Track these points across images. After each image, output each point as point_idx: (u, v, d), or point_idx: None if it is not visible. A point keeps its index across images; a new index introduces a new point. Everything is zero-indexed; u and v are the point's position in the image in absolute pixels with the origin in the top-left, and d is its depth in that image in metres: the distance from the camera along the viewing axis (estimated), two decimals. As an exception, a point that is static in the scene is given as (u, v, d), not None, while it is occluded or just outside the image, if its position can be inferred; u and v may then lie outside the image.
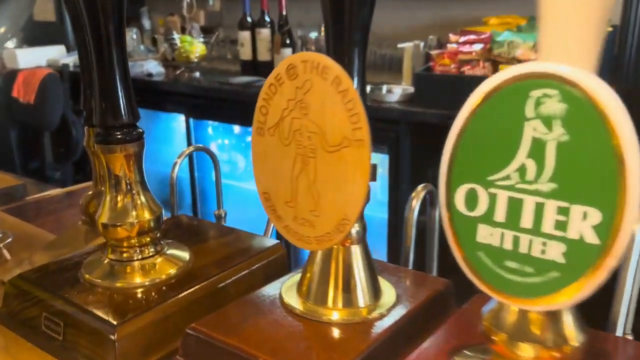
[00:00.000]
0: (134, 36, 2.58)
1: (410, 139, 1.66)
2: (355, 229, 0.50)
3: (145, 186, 0.57)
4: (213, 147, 2.27)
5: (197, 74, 2.29)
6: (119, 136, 0.53)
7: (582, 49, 0.31)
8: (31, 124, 2.46)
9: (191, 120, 2.17)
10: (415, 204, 0.63)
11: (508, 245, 0.33)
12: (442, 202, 0.35)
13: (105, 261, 0.57)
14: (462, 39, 1.71)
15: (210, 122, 2.28)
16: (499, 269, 0.34)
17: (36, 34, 2.75)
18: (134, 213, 0.55)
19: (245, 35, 2.21)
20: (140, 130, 0.55)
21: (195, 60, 2.34)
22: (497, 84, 0.31)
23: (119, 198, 0.55)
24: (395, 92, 1.68)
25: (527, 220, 0.32)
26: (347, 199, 0.44)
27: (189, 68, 2.33)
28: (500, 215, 0.33)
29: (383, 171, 1.73)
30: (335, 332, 0.48)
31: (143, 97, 2.28)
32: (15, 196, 1.04)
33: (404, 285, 0.55)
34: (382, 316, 0.49)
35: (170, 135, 2.44)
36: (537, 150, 0.31)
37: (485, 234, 0.34)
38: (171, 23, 2.47)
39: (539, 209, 0.31)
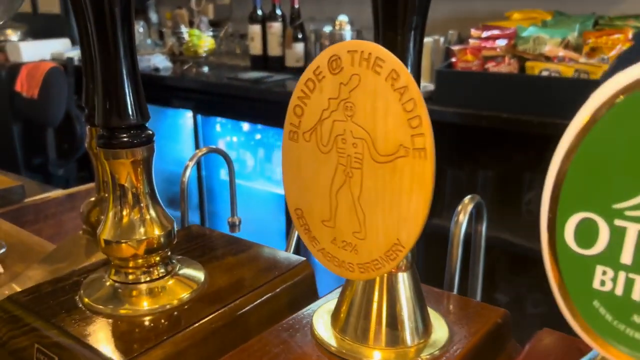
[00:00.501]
0: (141, 29, 2.50)
1: (430, 139, 1.58)
2: (403, 253, 0.42)
3: (156, 198, 0.49)
4: (221, 145, 2.20)
5: (206, 69, 2.22)
6: (125, 139, 0.46)
7: None
8: (34, 119, 2.39)
9: (199, 117, 2.10)
10: (463, 218, 0.55)
11: (637, 295, 0.25)
12: (544, 235, 0.27)
13: (108, 283, 0.49)
14: (485, 34, 1.62)
15: (218, 118, 2.20)
16: (622, 325, 0.26)
17: (40, 27, 2.68)
18: (141, 229, 0.47)
19: (255, 29, 2.13)
20: (150, 132, 0.47)
21: (204, 54, 2.26)
22: (634, 82, 0.23)
23: (124, 212, 0.47)
24: (415, 90, 1.60)
25: (666, 264, 0.24)
26: (402, 220, 0.36)
27: (197, 63, 2.26)
28: (627, 255, 0.25)
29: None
30: (378, 377, 0.40)
31: (149, 92, 2.21)
32: (13, 198, 0.96)
33: (456, 317, 0.47)
34: (433, 358, 0.41)
35: (177, 132, 2.37)
36: (688, 171, 0.23)
37: (605, 279, 0.26)
38: (179, 16, 2.39)
39: (686, 250, 0.23)
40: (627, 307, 0.25)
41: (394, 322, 0.42)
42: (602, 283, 0.26)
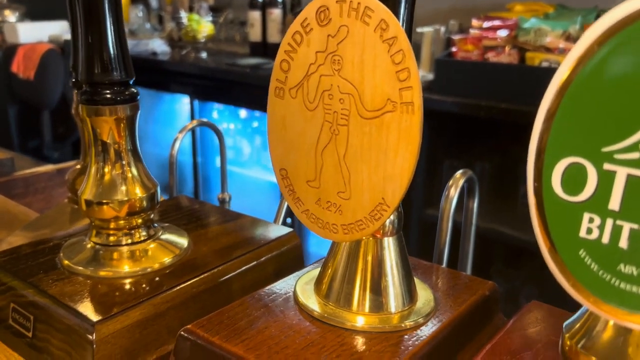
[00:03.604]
0: (140, 13, 2.48)
1: (428, 129, 1.57)
2: (389, 218, 0.41)
3: (139, 156, 0.48)
4: (218, 131, 2.18)
5: (204, 55, 2.20)
6: (108, 95, 0.45)
7: None
8: (30, 101, 2.38)
9: (196, 102, 2.08)
10: (454, 193, 0.54)
11: (624, 243, 0.24)
12: (530, 180, 0.26)
13: (89, 245, 0.48)
14: (486, 24, 1.61)
15: (215, 104, 2.19)
16: (609, 275, 0.24)
17: (39, 8, 2.65)
18: (123, 188, 0.46)
19: (255, 15, 2.11)
20: (135, 91, 0.46)
21: (202, 40, 2.24)
22: (630, 16, 0.22)
23: (106, 169, 0.46)
24: (413, 79, 1.59)
25: (656, 210, 0.23)
26: (387, 178, 0.35)
27: (195, 48, 2.24)
28: (615, 201, 0.24)
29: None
30: (360, 342, 0.39)
31: (147, 76, 2.19)
32: (2, 171, 0.95)
33: (443, 288, 0.46)
34: (417, 325, 0.40)
35: (174, 116, 2.35)
36: (682, 110, 0.22)
37: (591, 227, 0.25)
38: (179, 1, 2.38)
39: (677, 194, 0.22)
40: (614, 255, 0.24)
41: (377, 287, 0.41)
42: (589, 231, 0.25)
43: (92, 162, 0.46)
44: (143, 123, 2.48)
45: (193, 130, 2.11)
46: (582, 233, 0.25)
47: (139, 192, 0.47)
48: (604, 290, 0.25)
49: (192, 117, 2.08)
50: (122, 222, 0.47)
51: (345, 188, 0.37)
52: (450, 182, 0.55)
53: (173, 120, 2.35)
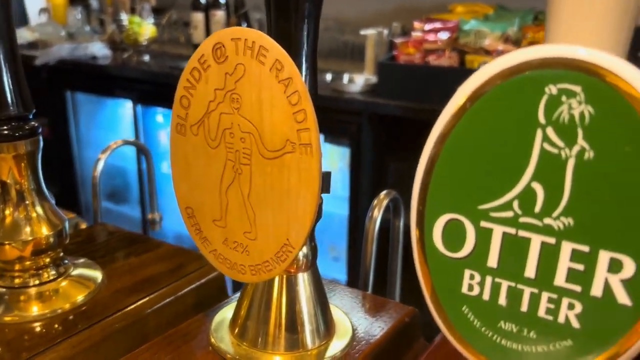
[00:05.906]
0: (79, 16, 2.39)
1: (372, 132, 1.58)
2: (302, 252, 0.40)
3: (43, 194, 0.45)
4: (162, 136, 2.13)
5: (147, 58, 2.14)
6: (5, 132, 0.42)
7: (610, 28, 0.22)
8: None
9: (139, 107, 2.02)
10: (377, 214, 0.53)
11: (503, 300, 0.24)
12: (414, 236, 0.26)
13: (-9, 288, 0.45)
14: (428, 27, 1.62)
15: (160, 109, 2.14)
16: (490, 332, 0.24)
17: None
18: (27, 229, 0.44)
19: (198, 17, 2.07)
20: (34, 124, 0.43)
21: (144, 42, 2.18)
22: (495, 75, 0.22)
23: (7, 212, 0.44)
24: (358, 82, 1.59)
25: (530, 268, 0.23)
26: (292, 218, 0.34)
27: (137, 51, 2.18)
28: (493, 258, 0.24)
29: (344, 165, 1.64)
30: (277, 382, 0.38)
31: (86, 81, 2.12)
32: None
33: (362, 316, 0.45)
34: (334, 360, 0.40)
35: (117, 122, 2.28)
36: (550, 170, 0.22)
37: (472, 284, 0.24)
38: (119, 2, 2.30)
39: (549, 253, 0.22)
40: (494, 312, 0.24)
41: (293, 325, 0.40)
42: (470, 288, 0.24)
43: (-11, 204, 0.43)
44: (85, 129, 2.41)
45: (137, 136, 2.06)
46: (464, 289, 0.25)
47: (45, 230, 0.45)
48: (487, 346, 0.25)
49: (135, 123, 2.02)
50: (28, 262, 0.45)
51: (251, 228, 0.36)
52: (374, 202, 0.55)
53: (116, 125, 2.28)
